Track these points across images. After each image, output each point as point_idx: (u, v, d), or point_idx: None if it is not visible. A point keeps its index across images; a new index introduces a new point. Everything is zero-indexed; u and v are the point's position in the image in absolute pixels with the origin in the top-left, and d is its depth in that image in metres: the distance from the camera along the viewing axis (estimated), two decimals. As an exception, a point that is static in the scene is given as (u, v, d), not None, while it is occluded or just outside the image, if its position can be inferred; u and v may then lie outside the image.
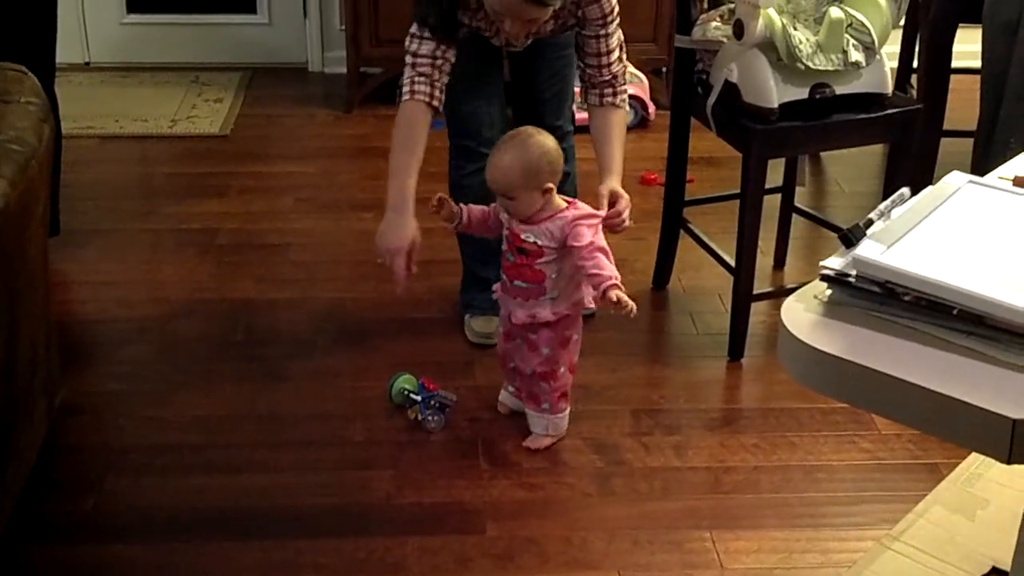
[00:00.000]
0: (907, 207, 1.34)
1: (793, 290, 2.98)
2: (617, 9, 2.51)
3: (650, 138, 4.10)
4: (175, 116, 4.24)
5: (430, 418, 2.51)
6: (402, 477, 2.38)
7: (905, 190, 1.38)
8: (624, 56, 2.58)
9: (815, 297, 1.21)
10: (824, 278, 1.21)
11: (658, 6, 4.25)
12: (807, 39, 2.55)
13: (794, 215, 3.15)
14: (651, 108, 4.20)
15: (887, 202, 1.33)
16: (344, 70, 4.39)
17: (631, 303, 2.21)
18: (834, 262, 1.22)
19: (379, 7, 4.20)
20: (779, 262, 3.22)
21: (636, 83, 4.19)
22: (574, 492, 2.36)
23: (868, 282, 1.19)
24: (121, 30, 4.68)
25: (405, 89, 2.48)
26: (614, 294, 2.20)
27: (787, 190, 3.11)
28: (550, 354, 2.40)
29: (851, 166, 3.87)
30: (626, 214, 2.42)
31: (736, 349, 2.80)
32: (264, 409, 2.60)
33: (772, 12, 2.53)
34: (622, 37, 2.56)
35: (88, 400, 2.61)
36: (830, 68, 2.55)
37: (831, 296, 1.21)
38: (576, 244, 2.27)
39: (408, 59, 2.46)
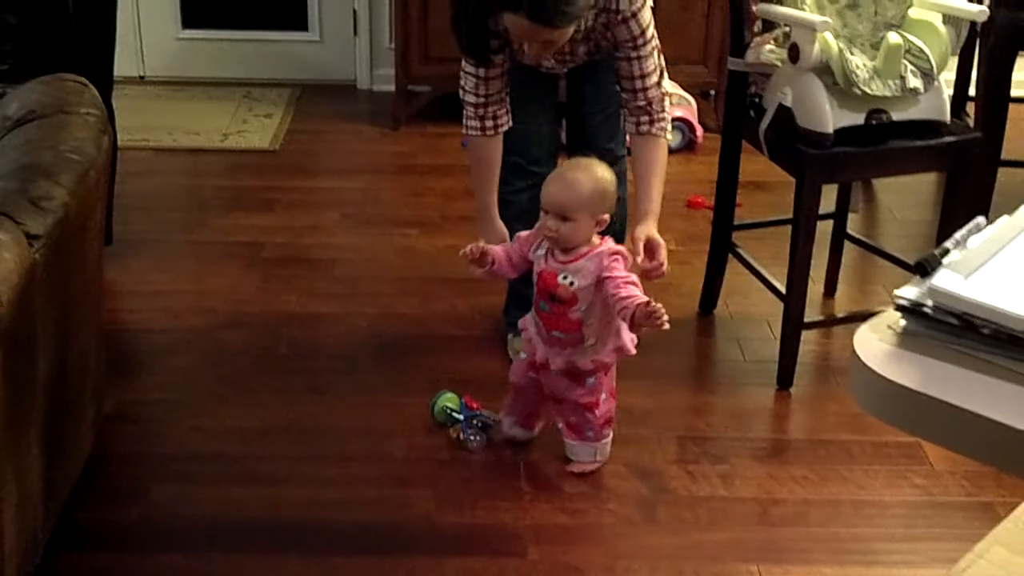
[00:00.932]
0: (984, 236, 1.30)
1: (845, 319, 2.97)
2: (652, 32, 2.49)
3: (697, 161, 4.08)
4: (226, 130, 4.28)
5: (472, 438, 2.49)
6: (442, 496, 2.37)
7: (981, 219, 1.34)
8: (664, 82, 2.55)
9: (888, 327, 1.18)
10: (899, 308, 1.17)
11: (707, 28, 4.24)
12: (864, 64, 2.52)
13: (844, 242, 3.11)
14: (699, 131, 4.19)
15: (963, 231, 1.29)
16: (392, 88, 4.42)
17: (664, 314, 2.12)
18: (909, 291, 1.18)
19: (428, 26, 4.21)
20: (830, 290, 3.18)
21: (684, 105, 4.18)
22: (617, 519, 2.33)
23: (945, 313, 1.15)
24: (176, 45, 4.74)
25: (464, 125, 2.61)
26: (646, 308, 2.13)
27: (840, 216, 3.07)
28: (594, 384, 2.38)
29: (903, 194, 3.83)
30: (664, 263, 2.40)
31: (785, 378, 2.75)
32: (306, 423, 2.60)
33: (829, 36, 2.51)
34: (662, 63, 2.54)
35: (133, 409, 2.62)
36: (887, 94, 2.52)
37: (905, 326, 1.17)
38: (609, 275, 2.24)
39: (460, 94, 2.58)
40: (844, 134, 2.56)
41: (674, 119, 4.12)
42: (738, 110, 2.82)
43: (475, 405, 2.54)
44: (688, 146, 4.17)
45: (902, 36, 2.55)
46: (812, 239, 2.66)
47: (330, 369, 2.81)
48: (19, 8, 3.01)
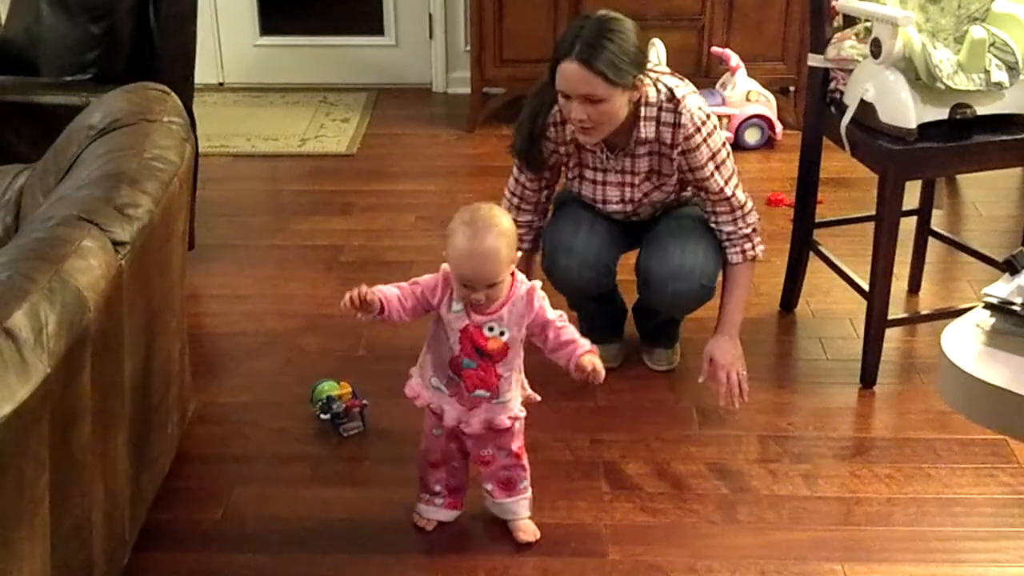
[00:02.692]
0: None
1: (930, 316, 2.91)
2: (721, 150, 2.48)
3: (776, 158, 4.03)
4: (304, 135, 4.34)
5: (345, 428, 2.57)
6: (522, 496, 2.37)
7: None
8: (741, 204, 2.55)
9: (977, 325, 1.15)
10: (987, 306, 1.14)
11: (786, 25, 4.18)
12: (947, 58, 2.46)
13: (928, 238, 3.05)
14: (778, 128, 4.13)
15: (1053, 227, 1.26)
16: (467, 90, 4.44)
17: (602, 372, 2.07)
18: (998, 289, 1.16)
19: (503, 28, 4.23)
20: (914, 287, 3.12)
21: (763, 102, 4.13)
22: (698, 518, 2.31)
23: (1036, 311, 1.12)
24: (254, 52, 4.81)
25: None
26: (588, 360, 2.06)
27: (924, 213, 3.01)
28: (519, 429, 2.21)
29: (988, 189, 3.74)
30: (735, 388, 2.49)
31: (868, 376, 2.71)
32: (384, 424, 2.61)
33: (911, 31, 2.46)
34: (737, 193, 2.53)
35: (217, 411, 2.67)
36: (971, 88, 2.46)
37: (994, 324, 1.15)
38: (549, 317, 2.09)
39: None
40: (927, 129, 2.50)
41: (753, 116, 4.09)
42: (819, 106, 2.78)
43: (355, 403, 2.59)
44: (767, 143, 4.12)
45: (986, 29, 2.49)
46: (896, 236, 2.61)
47: (408, 371, 2.81)
48: (102, 18, 3.07)
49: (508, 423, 2.15)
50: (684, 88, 2.47)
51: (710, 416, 2.62)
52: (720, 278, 2.62)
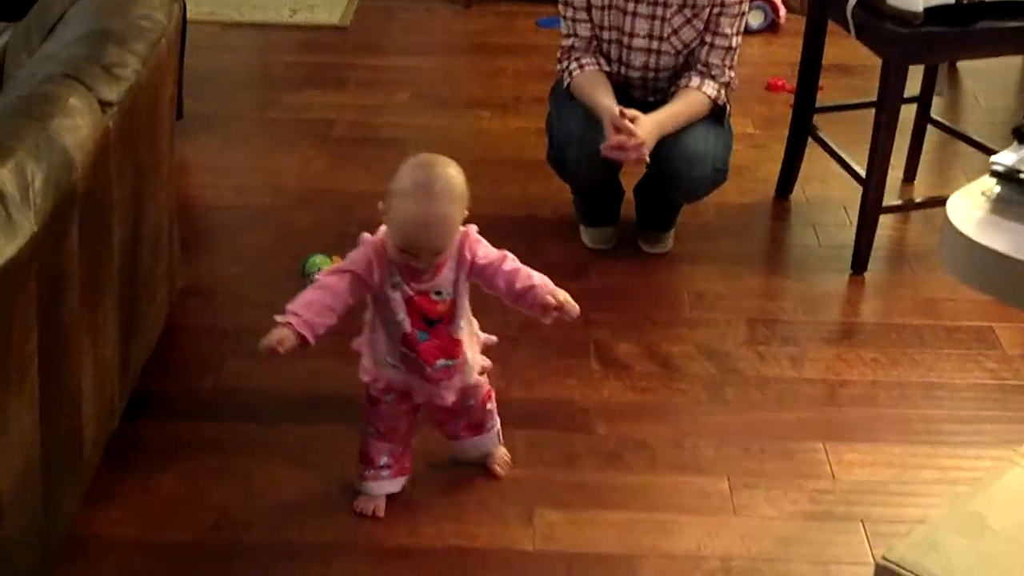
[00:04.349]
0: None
1: (923, 204, 2.90)
2: (745, 3, 2.54)
3: (779, 43, 3.97)
4: (295, 5, 4.24)
5: None
6: (513, 373, 2.37)
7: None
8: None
9: (982, 194, 1.14)
10: (994, 174, 1.13)
11: (794, -97, 4.07)
12: (959, -63, 2.40)
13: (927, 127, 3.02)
14: (781, 11, 4.06)
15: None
16: (466, -36, 4.34)
17: (574, 305, 1.88)
18: (1005, 157, 1.14)
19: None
20: (909, 175, 3.11)
21: (768, -17, 4.05)
22: (686, 398, 2.33)
23: (1042, 180, 1.11)
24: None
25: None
26: (552, 297, 1.87)
27: (924, 100, 2.97)
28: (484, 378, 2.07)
29: (988, 80, 3.70)
30: (635, 147, 2.40)
31: (860, 262, 2.72)
32: (377, 299, 2.61)
33: (923, -93, 2.39)
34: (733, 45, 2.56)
35: (207, 284, 2.66)
36: (981, -30, 2.41)
37: (1000, 193, 1.14)
38: (486, 260, 1.88)
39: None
40: (934, 13, 2.46)
41: (756, -2, 4.01)
42: (824, -14, 2.72)
43: None
44: (770, 27, 4.05)
45: (1001, -93, 2.43)
46: (896, 121, 2.60)
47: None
48: None
49: (482, 379, 2.02)
50: None
51: (701, 299, 2.63)
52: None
